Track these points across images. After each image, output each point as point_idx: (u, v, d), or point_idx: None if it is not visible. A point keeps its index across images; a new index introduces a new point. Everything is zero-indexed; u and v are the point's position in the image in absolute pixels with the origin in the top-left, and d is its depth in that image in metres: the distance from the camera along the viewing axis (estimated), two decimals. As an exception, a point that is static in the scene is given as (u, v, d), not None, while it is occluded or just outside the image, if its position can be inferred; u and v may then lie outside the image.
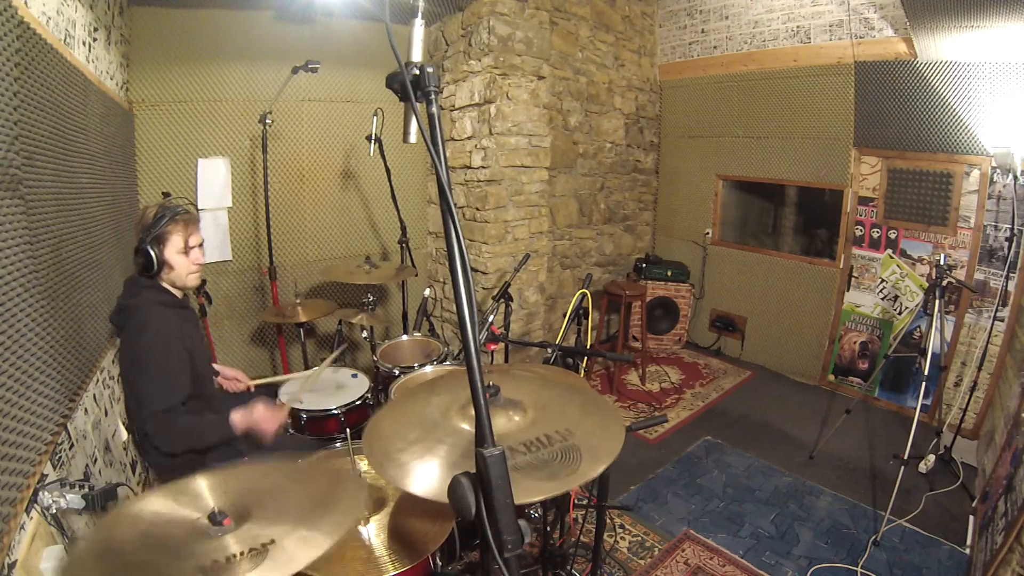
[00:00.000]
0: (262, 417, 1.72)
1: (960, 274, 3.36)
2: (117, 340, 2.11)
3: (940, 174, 3.43)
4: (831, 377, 4.17)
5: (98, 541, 0.97)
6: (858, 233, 3.90)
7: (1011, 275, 3.14)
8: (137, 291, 1.76)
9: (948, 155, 3.39)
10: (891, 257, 3.75)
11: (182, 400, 1.70)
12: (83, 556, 0.95)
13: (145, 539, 0.97)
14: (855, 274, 3.95)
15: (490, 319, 2.46)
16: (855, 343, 4.01)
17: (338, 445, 1.98)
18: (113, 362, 2.02)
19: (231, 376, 2.30)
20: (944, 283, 2.76)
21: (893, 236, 3.73)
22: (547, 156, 3.85)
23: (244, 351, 3.45)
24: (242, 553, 0.94)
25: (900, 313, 3.74)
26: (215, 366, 2.26)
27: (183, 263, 1.81)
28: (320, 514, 1.05)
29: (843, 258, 4.00)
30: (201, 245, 1.88)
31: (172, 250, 1.77)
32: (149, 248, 1.72)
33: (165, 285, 1.81)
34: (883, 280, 3.81)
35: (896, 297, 3.76)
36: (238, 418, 1.70)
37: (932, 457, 2.99)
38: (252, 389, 2.31)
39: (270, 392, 2.25)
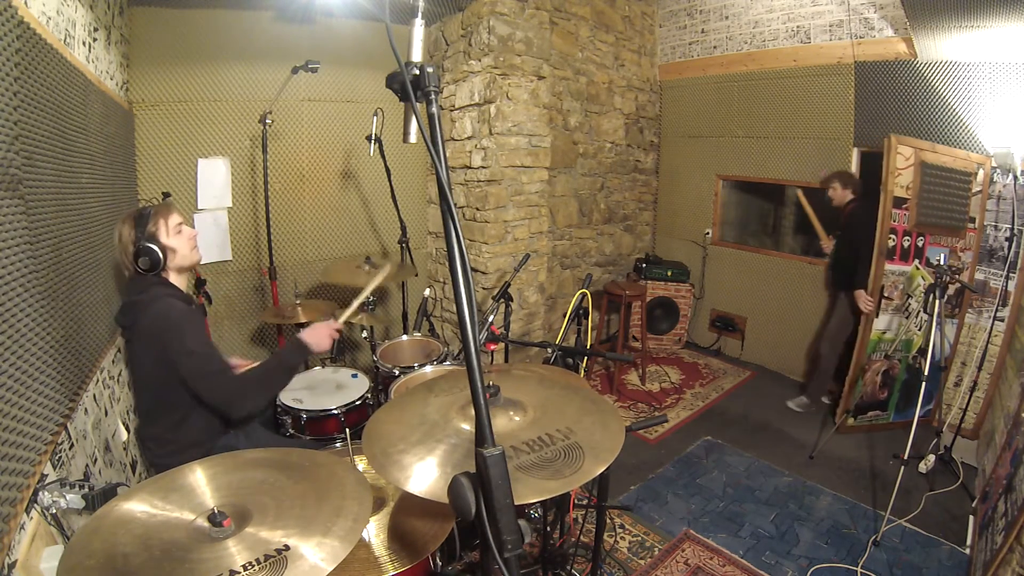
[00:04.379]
0: (320, 329, 1.90)
1: (963, 275, 3.34)
2: (119, 340, 2.11)
3: (963, 172, 3.21)
4: (851, 421, 3.44)
5: (96, 549, 0.93)
6: (891, 244, 3.20)
7: (1011, 275, 3.14)
8: (145, 287, 1.75)
9: (966, 153, 3.21)
10: (917, 268, 3.26)
11: (225, 364, 1.78)
12: (82, 563, 0.91)
13: (146, 545, 0.94)
14: (886, 294, 3.27)
15: (490, 319, 2.46)
16: (877, 375, 3.40)
17: (338, 445, 1.98)
18: (113, 362, 2.02)
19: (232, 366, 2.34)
20: (944, 284, 2.76)
21: (920, 244, 3.23)
22: (547, 156, 3.85)
23: (244, 351, 3.44)
24: (258, 561, 0.91)
25: (920, 329, 3.33)
26: None
27: (181, 242, 1.82)
28: (328, 515, 1.03)
29: (873, 278, 3.23)
30: (183, 222, 1.89)
31: (164, 235, 1.78)
32: (149, 245, 1.72)
33: (171, 280, 1.82)
34: (910, 297, 3.28)
35: (919, 313, 3.27)
36: (305, 334, 1.87)
37: (932, 457, 2.99)
38: None
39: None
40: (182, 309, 1.74)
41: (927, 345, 2.81)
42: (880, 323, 3.33)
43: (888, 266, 3.23)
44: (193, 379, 1.70)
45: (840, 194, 3.55)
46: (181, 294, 1.82)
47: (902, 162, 3.16)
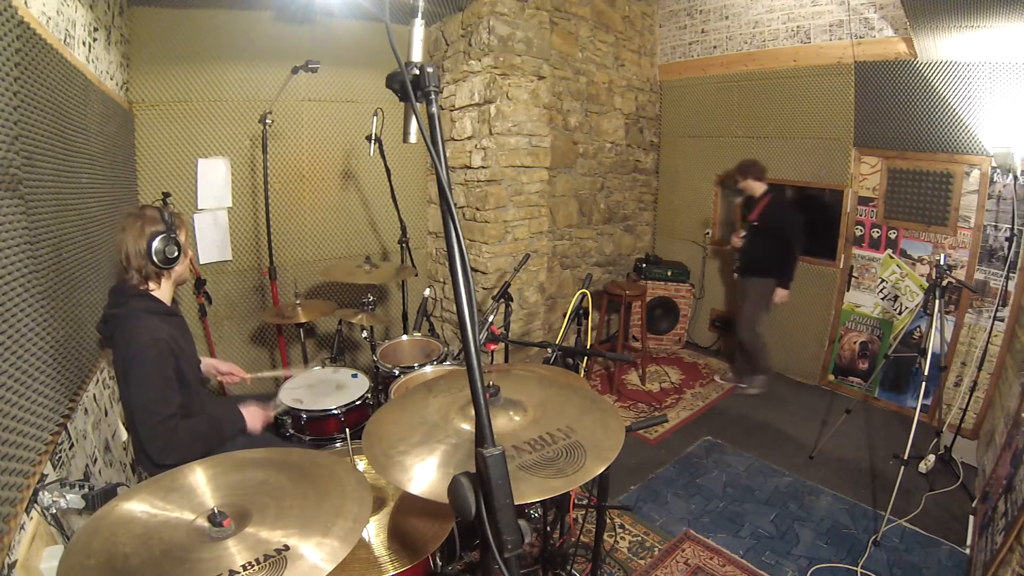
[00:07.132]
0: (256, 412, 1.92)
1: (960, 274, 3.36)
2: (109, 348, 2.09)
3: (940, 174, 3.43)
4: (831, 377, 4.18)
5: (96, 549, 0.93)
6: (858, 233, 3.91)
7: (1011, 275, 3.14)
8: (124, 300, 1.69)
9: (948, 155, 3.38)
10: (891, 257, 3.76)
11: (176, 408, 1.67)
12: (81, 563, 0.91)
13: (146, 545, 0.94)
14: (855, 274, 3.95)
15: (490, 319, 2.46)
16: (855, 343, 4.02)
17: (338, 445, 1.98)
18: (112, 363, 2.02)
19: (226, 371, 2.28)
20: (944, 283, 2.76)
21: (893, 236, 3.73)
22: (547, 156, 3.85)
23: (244, 351, 3.45)
24: (258, 561, 0.90)
25: (900, 313, 3.75)
26: (209, 360, 2.23)
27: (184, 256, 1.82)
28: (328, 515, 1.03)
29: (843, 258, 3.99)
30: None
31: (181, 240, 1.78)
32: (176, 238, 1.71)
33: (154, 293, 1.75)
34: (883, 280, 3.82)
35: (896, 297, 3.76)
36: (243, 410, 1.87)
37: (932, 457, 2.99)
38: (249, 383, 2.31)
39: (265, 389, 2.24)
40: (146, 340, 1.63)
41: (923, 342, 2.83)
42: (852, 297, 4.00)
43: (856, 251, 3.94)
44: (135, 415, 1.62)
45: (753, 186, 3.83)
46: (161, 307, 1.76)
47: (867, 169, 3.81)
